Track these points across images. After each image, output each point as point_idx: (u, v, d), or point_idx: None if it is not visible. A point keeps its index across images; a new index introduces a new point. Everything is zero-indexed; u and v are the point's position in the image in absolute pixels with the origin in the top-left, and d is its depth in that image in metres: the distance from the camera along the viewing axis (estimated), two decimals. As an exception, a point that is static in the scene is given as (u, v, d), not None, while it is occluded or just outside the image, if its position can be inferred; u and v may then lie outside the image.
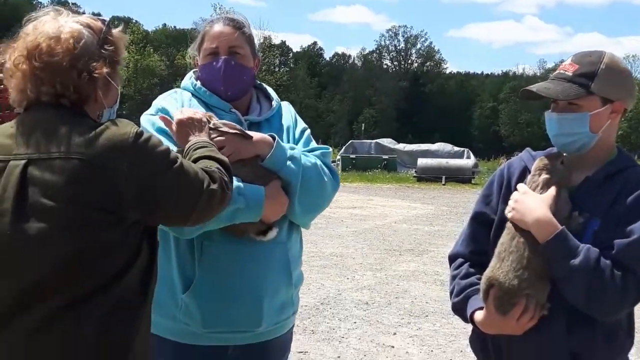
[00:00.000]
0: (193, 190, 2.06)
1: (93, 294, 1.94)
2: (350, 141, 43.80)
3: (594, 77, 2.34)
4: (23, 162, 1.93)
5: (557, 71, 2.46)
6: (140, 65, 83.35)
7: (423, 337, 7.09)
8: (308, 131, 2.90)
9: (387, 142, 42.37)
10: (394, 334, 7.22)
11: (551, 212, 2.25)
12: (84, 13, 2.18)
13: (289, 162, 2.60)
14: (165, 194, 2.02)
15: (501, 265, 2.30)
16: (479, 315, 2.38)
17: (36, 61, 1.97)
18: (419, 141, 48.43)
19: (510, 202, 2.37)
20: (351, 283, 9.51)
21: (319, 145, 2.84)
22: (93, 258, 1.93)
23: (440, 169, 32.31)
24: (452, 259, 2.61)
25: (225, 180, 2.17)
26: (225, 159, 2.29)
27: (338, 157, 37.74)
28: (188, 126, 2.45)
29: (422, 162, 33.89)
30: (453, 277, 2.56)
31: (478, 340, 2.50)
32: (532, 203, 2.30)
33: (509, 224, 2.36)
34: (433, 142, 42.92)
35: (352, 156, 37.95)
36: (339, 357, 6.40)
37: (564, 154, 2.42)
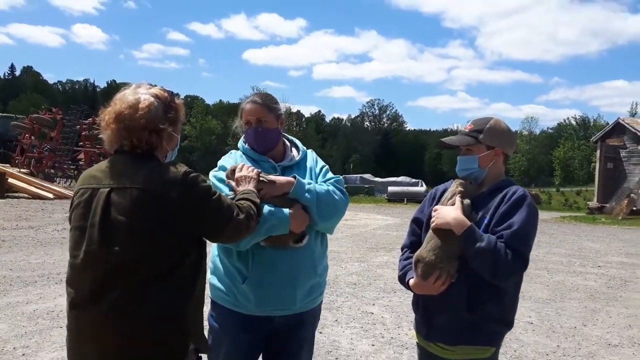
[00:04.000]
0: (224, 216, 2.05)
1: (155, 280, 1.91)
2: (343, 176, 43.64)
3: (481, 132, 2.46)
4: (107, 189, 1.96)
5: (461, 129, 2.57)
6: (203, 127, 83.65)
7: (393, 306, 7.07)
8: (326, 167, 2.86)
9: (367, 176, 42.38)
10: (373, 304, 7.19)
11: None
12: (155, 85, 2.16)
13: (306, 194, 2.58)
14: (203, 215, 2.00)
15: (425, 246, 2.35)
16: (412, 281, 2.43)
17: (120, 123, 1.99)
18: (389, 175, 48.24)
19: (433, 214, 2.42)
20: (344, 270, 9.47)
21: (334, 176, 2.81)
22: (153, 255, 1.92)
23: (403, 193, 32.30)
24: (401, 249, 2.64)
25: (251, 214, 2.16)
26: (258, 201, 2.28)
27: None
28: (243, 179, 2.46)
29: (391, 189, 33.85)
30: (399, 260, 2.60)
31: (414, 299, 2.54)
32: (448, 210, 2.36)
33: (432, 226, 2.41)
34: (398, 176, 42.81)
35: (345, 186, 37.83)
36: (336, 320, 6.38)
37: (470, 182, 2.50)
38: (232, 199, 2.37)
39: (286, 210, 2.52)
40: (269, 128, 2.73)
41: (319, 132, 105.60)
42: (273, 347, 2.71)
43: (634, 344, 6.04)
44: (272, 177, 2.59)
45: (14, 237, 10.93)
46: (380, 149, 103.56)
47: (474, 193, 2.45)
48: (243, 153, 2.79)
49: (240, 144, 2.84)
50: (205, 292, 2.21)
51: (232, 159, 2.78)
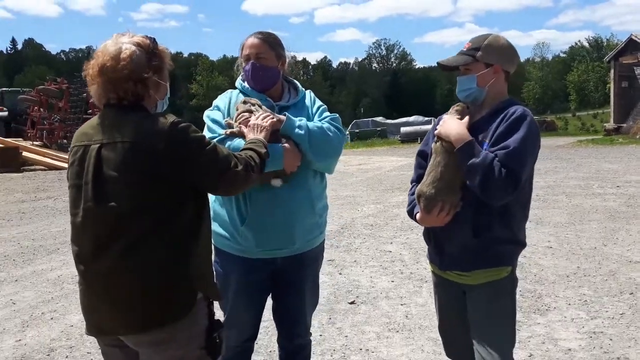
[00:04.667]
0: (218, 167, 1.97)
1: (155, 232, 1.89)
2: (354, 121, 43.43)
3: (479, 50, 2.36)
4: (98, 145, 1.93)
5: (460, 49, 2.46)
6: (210, 84, 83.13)
7: (410, 243, 7.11)
8: (324, 107, 2.81)
9: (379, 119, 42.09)
10: (391, 243, 7.24)
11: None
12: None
13: (297, 130, 2.55)
14: (195, 166, 1.93)
15: (425, 180, 2.33)
16: (418, 216, 2.41)
17: (104, 76, 1.94)
18: (401, 116, 47.88)
19: (439, 123, 2.38)
20: (360, 213, 9.50)
21: (330, 114, 2.77)
22: (149, 207, 1.89)
23: (416, 133, 32.00)
24: (410, 183, 2.61)
25: (251, 165, 2.07)
26: (263, 151, 2.22)
27: (347, 132, 37.40)
28: (255, 127, 2.44)
29: (404, 129, 33.63)
30: (408, 195, 2.57)
31: (424, 232, 2.53)
32: (454, 123, 2.32)
33: (434, 149, 2.36)
34: (410, 116, 42.48)
35: (357, 131, 37.71)
36: (355, 261, 6.44)
37: (470, 104, 2.43)
38: (224, 140, 2.34)
39: (279, 146, 2.51)
40: (267, 65, 2.66)
41: (327, 79, 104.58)
42: (278, 288, 2.75)
43: (655, 259, 6.04)
44: (266, 111, 2.57)
45: (34, 208, 11.10)
46: (390, 90, 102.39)
47: (474, 116, 2.38)
48: (241, 91, 2.74)
49: (239, 81, 2.79)
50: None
51: (227, 97, 2.75)
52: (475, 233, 2.28)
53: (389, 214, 9.25)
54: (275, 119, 2.52)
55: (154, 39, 2.04)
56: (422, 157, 2.57)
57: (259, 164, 2.15)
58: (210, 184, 2.01)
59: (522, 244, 2.40)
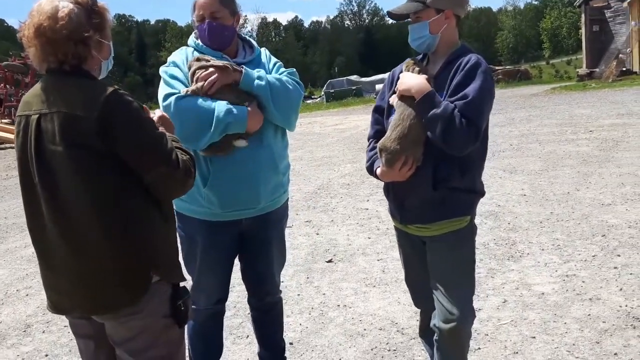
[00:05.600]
0: (159, 156, 1.82)
1: (101, 208, 1.79)
2: (329, 81, 42.93)
3: None
4: (36, 116, 1.82)
5: None
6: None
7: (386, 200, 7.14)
8: (279, 63, 2.78)
9: (354, 77, 41.62)
10: (367, 200, 7.25)
11: None
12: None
13: (257, 81, 2.53)
14: (129, 144, 1.79)
15: (390, 135, 2.30)
16: (379, 170, 2.40)
17: (42, 37, 1.80)
18: (375, 73, 47.58)
19: (399, 81, 2.35)
20: (337, 173, 9.48)
21: (287, 69, 2.74)
22: (90, 182, 1.78)
23: (391, 90, 31.94)
24: (368, 139, 2.59)
25: (190, 171, 1.90)
26: (192, 153, 2.01)
27: (322, 93, 37.22)
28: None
29: (378, 87, 33.35)
30: (366, 152, 2.55)
31: (384, 187, 2.53)
32: (413, 77, 2.30)
33: (397, 105, 2.33)
34: (385, 73, 42.23)
35: (332, 91, 37.32)
36: (332, 220, 6.46)
37: (425, 55, 2.42)
38: (184, 97, 2.26)
39: (244, 108, 2.48)
40: (223, 24, 2.62)
41: (299, 39, 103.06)
42: (244, 249, 2.75)
43: (627, 200, 6.15)
44: (224, 63, 2.53)
45: (6, 186, 10.92)
46: (364, 48, 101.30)
47: (430, 68, 2.37)
48: (195, 49, 2.68)
49: (192, 39, 2.73)
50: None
51: (183, 54, 2.69)
52: (435, 186, 2.28)
53: (365, 173, 9.20)
54: (231, 68, 2.50)
55: None
56: (379, 113, 2.55)
57: (193, 172, 1.95)
58: (140, 170, 1.82)
59: (481, 193, 2.42)
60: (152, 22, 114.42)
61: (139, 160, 1.81)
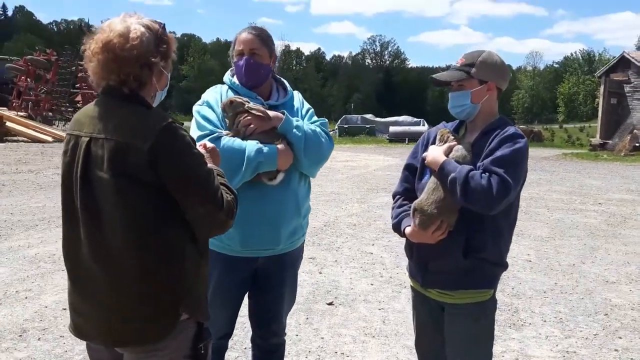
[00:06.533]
0: (203, 193, 1.80)
1: (139, 241, 1.77)
2: (344, 116, 43.37)
3: (473, 66, 2.35)
4: (87, 139, 1.80)
5: (453, 65, 2.46)
6: (201, 67, 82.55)
7: (392, 246, 7.11)
8: (312, 110, 2.82)
9: (369, 116, 41.99)
10: (373, 244, 7.25)
11: (445, 156, 2.28)
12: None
13: (294, 130, 2.56)
14: (176, 176, 1.77)
15: (427, 197, 2.30)
16: (408, 230, 2.39)
17: (109, 53, 1.77)
18: (391, 114, 47.93)
19: (427, 153, 2.39)
20: (344, 211, 9.50)
21: (319, 119, 2.78)
22: (131, 213, 1.75)
23: (404, 133, 32.12)
24: (393, 196, 2.60)
25: (232, 212, 1.88)
26: (236, 192, 1.97)
27: (336, 127, 37.50)
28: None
29: (392, 129, 33.70)
30: (392, 208, 2.56)
31: (407, 245, 2.51)
32: (434, 150, 2.34)
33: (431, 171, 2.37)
34: (400, 115, 42.51)
35: (346, 126, 37.71)
36: (336, 260, 6.44)
37: (462, 123, 2.46)
38: (219, 138, 2.27)
39: (274, 147, 2.52)
40: (261, 62, 2.66)
41: (319, 71, 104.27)
42: (257, 287, 2.74)
43: (631, 280, 6.12)
44: (262, 109, 2.56)
45: (14, 181, 10.95)
46: (382, 88, 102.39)
47: (467, 137, 2.40)
48: (230, 87, 2.72)
49: (227, 77, 2.77)
50: None
51: (217, 92, 2.72)
52: (466, 254, 2.28)
53: (373, 215, 9.26)
54: (273, 115, 2.54)
55: (164, 24, 1.93)
56: (410, 171, 2.55)
57: (234, 212, 1.92)
58: (185, 205, 1.79)
59: (505, 266, 2.41)
60: (178, 35, 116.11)
61: (186, 196, 1.79)
